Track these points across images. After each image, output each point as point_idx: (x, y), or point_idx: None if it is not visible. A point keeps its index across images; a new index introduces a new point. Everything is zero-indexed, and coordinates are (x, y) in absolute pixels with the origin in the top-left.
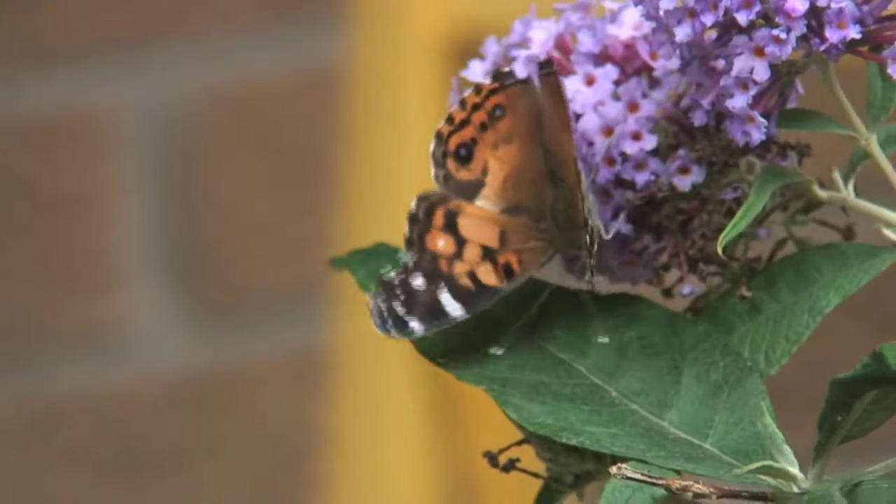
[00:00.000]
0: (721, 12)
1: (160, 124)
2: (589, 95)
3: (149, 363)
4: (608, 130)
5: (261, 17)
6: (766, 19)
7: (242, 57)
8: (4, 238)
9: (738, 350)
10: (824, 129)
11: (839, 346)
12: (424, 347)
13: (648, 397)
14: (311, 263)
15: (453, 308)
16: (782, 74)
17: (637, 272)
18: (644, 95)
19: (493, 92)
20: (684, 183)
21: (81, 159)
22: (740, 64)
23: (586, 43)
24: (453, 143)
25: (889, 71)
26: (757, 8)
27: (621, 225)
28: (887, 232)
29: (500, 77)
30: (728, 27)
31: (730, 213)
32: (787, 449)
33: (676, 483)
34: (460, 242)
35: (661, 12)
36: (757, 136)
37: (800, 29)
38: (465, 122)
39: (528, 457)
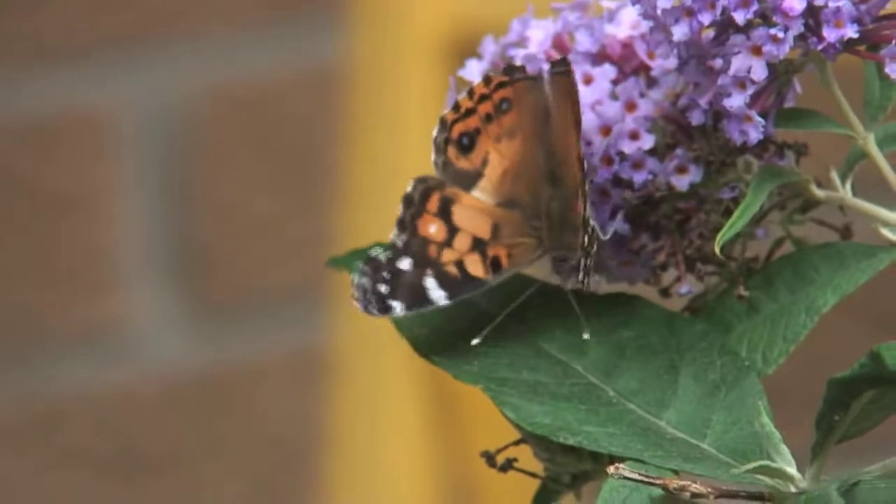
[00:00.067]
0: (718, 11)
1: (160, 124)
2: (587, 95)
3: (149, 363)
4: (606, 130)
5: (261, 17)
6: (764, 18)
7: (242, 57)
8: (4, 238)
9: (736, 349)
10: (822, 129)
11: (837, 346)
12: (418, 344)
13: (646, 397)
14: (311, 263)
15: (437, 294)
16: (780, 73)
17: (635, 271)
18: (642, 95)
19: (501, 85)
20: (682, 182)
21: (81, 159)
22: (738, 63)
23: (584, 42)
24: (456, 131)
25: (887, 70)
26: (754, 7)
27: (619, 224)
28: (885, 231)
29: (511, 71)
30: (725, 26)
31: (727, 213)
32: (784, 448)
33: (674, 483)
34: (452, 230)
35: (659, 11)
36: (754, 136)
37: (797, 28)
38: (470, 112)
39: (526, 456)
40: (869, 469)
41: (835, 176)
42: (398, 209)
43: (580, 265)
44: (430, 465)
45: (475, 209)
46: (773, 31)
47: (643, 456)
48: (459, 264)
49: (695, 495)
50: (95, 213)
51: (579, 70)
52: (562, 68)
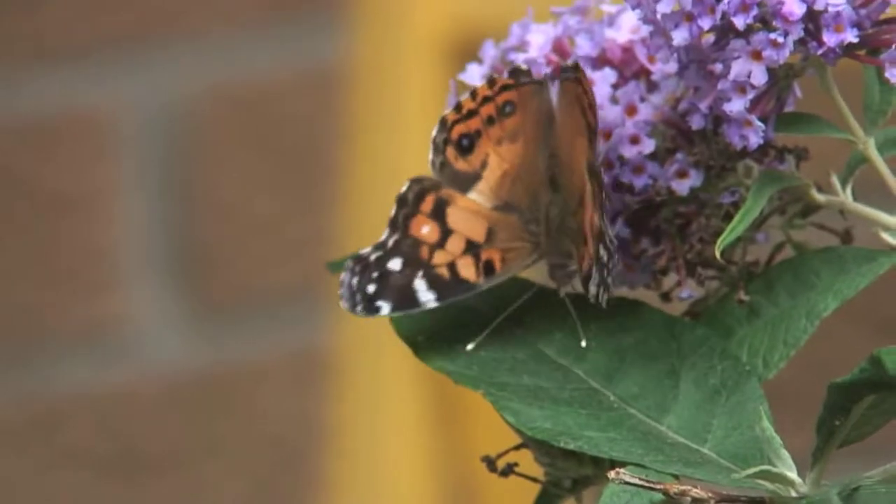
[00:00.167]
0: (718, 16)
1: (160, 124)
2: None
3: (149, 363)
4: (606, 134)
5: (261, 17)
6: (764, 23)
7: (242, 56)
8: (4, 238)
9: (737, 354)
10: (822, 133)
11: (837, 350)
12: (417, 349)
13: (647, 401)
14: (311, 263)
15: (426, 296)
16: (780, 78)
17: (635, 276)
18: (642, 99)
19: (505, 88)
20: (682, 187)
21: (81, 159)
22: (738, 68)
23: (584, 46)
24: (457, 132)
25: (887, 74)
26: (754, 12)
27: (619, 229)
28: (885, 235)
29: (516, 74)
30: (726, 31)
31: (728, 217)
32: (785, 453)
33: (674, 487)
34: (445, 232)
35: (659, 16)
36: (754, 140)
37: (797, 33)
38: (472, 113)
39: (527, 461)
40: (870, 474)
41: (835, 180)
42: (391, 209)
43: (593, 277)
44: (430, 465)
45: (471, 211)
46: (773, 35)
47: (644, 461)
48: (451, 266)
49: (695, 500)
50: (95, 213)
51: None
52: (572, 74)
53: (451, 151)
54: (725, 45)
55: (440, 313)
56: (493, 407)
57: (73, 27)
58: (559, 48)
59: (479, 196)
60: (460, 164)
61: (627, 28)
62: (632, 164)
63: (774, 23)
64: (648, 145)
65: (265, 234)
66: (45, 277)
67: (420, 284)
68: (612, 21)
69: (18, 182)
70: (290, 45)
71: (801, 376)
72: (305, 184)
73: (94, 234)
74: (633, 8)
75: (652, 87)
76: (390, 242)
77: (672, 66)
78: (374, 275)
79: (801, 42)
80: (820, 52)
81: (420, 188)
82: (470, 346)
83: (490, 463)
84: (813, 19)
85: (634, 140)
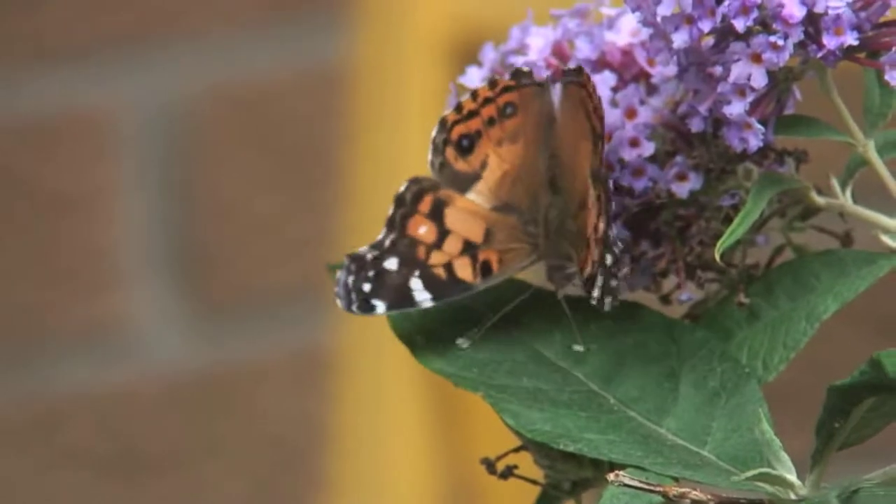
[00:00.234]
0: (718, 18)
1: (160, 124)
2: None
3: (149, 363)
4: (606, 137)
5: (261, 17)
6: (764, 26)
7: (243, 57)
8: (4, 238)
9: (736, 357)
10: (822, 136)
11: (837, 353)
12: (416, 351)
13: (646, 404)
14: (311, 263)
15: (422, 296)
16: (780, 81)
17: (635, 279)
18: (642, 102)
19: (507, 89)
20: (682, 189)
21: (81, 159)
22: (738, 70)
23: (584, 49)
24: (457, 132)
25: (886, 77)
26: (754, 14)
27: (619, 231)
28: (885, 238)
29: (518, 76)
30: (725, 33)
31: (727, 220)
32: (784, 456)
33: (674, 490)
34: (443, 232)
35: (659, 18)
36: (754, 143)
37: (797, 35)
38: (473, 114)
39: (527, 463)
40: (869, 476)
41: (835, 183)
42: (389, 208)
43: (597, 282)
44: (430, 466)
45: (469, 212)
46: (772, 38)
47: (643, 463)
48: (448, 267)
49: (695, 502)
50: (95, 213)
51: None
52: (576, 78)
53: (450, 152)
54: (725, 47)
55: (437, 313)
56: (492, 409)
57: (73, 27)
58: (559, 51)
59: (477, 196)
60: (460, 165)
61: (627, 31)
62: (631, 167)
63: (774, 25)
64: (648, 148)
65: (265, 234)
66: (45, 277)
67: (416, 284)
68: (611, 24)
69: (18, 182)
70: (291, 45)
71: (801, 379)
72: (306, 184)
73: (94, 233)
74: (633, 11)
75: (651, 90)
76: (387, 242)
77: (672, 69)
78: (370, 274)
79: (800, 45)
80: (820, 54)
81: (418, 188)
82: (465, 344)
83: (490, 465)
84: (813, 22)
85: (634, 143)
